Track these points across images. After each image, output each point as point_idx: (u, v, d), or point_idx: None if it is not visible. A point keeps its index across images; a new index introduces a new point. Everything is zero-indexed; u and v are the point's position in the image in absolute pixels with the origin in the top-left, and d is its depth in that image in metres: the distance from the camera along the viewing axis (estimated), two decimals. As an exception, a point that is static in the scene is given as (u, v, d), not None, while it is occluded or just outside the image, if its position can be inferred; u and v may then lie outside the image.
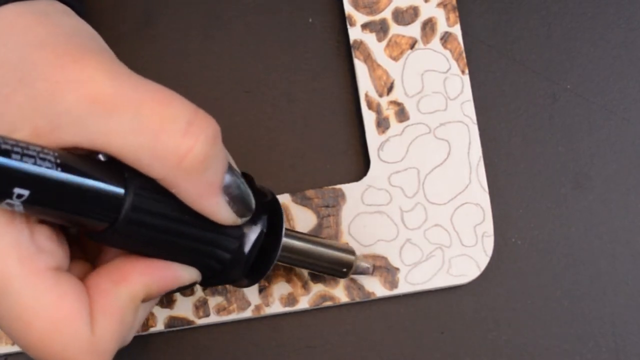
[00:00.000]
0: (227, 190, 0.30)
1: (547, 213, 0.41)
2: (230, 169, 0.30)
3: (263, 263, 0.33)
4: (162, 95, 0.29)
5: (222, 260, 0.32)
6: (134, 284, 0.30)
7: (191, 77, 0.42)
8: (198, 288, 0.40)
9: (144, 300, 0.31)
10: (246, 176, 0.33)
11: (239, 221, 0.31)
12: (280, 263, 0.35)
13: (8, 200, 0.27)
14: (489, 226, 0.40)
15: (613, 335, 0.41)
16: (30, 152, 0.27)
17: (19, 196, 0.27)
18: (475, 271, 0.40)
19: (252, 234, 0.32)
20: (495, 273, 0.41)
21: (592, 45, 0.42)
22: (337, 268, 0.38)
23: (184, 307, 0.40)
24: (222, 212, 0.30)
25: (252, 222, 0.32)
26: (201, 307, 0.40)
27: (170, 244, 0.30)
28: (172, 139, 0.28)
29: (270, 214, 0.33)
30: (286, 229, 0.35)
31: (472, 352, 0.41)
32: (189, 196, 0.29)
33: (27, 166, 0.26)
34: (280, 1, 0.42)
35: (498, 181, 0.41)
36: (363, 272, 0.39)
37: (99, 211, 0.28)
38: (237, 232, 0.32)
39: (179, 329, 0.40)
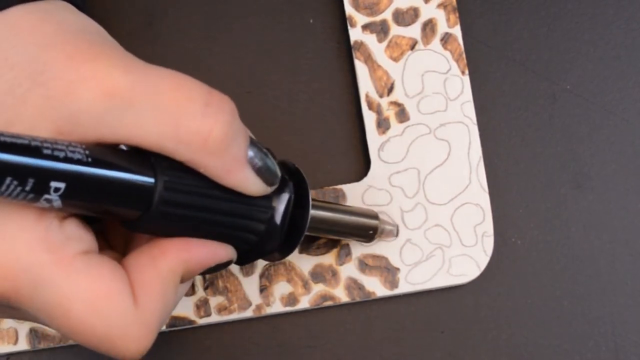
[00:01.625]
0: (252, 161, 0.31)
1: (547, 213, 0.41)
2: (252, 141, 0.31)
3: (294, 234, 0.34)
4: (175, 80, 0.29)
5: (256, 231, 0.32)
6: (173, 259, 0.30)
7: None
8: (199, 288, 0.40)
9: (183, 279, 0.31)
10: (267, 149, 0.33)
11: (268, 190, 0.32)
12: (308, 234, 0.36)
13: (46, 196, 0.27)
14: (489, 226, 0.40)
15: (613, 335, 0.41)
16: (60, 147, 0.27)
17: (56, 190, 0.27)
18: (475, 271, 0.40)
19: (282, 202, 0.33)
20: (495, 273, 0.41)
21: (591, 46, 0.42)
22: (364, 233, 0.38)
23: (185, 307, 0.40)
24: (250, 183, 0.31)
25: (280, 190, 0.33)
26: (202, 306, 0.40)
27: (204, 221, 0.31)
28: (193, 122, 0.29)
29: (295, 183, 0.33)
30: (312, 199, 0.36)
31: (472, 352, 0.41)
32: (217, 173, 0.30)
33: (59, 160, 0.27)
34: (281, 2, 0.42)
35: (498, 181, 0.41)
36: (389, 233, 0.39)
37: (132, 199, 0.29)
38: (267, 202, 0.32)
39: (180, 329, 0.40)
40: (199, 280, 0.40)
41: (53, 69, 0.29)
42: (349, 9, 0.41)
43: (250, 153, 0.31)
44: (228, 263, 0.32)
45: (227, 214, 0.31)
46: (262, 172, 0.31)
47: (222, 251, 0.32)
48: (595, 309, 0.41)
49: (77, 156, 0.27)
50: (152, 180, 0.29)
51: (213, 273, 0.33)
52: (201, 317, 0.40)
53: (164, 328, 0.40)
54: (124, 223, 0.30)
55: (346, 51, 0.42)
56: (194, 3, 0.42)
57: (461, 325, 0.41)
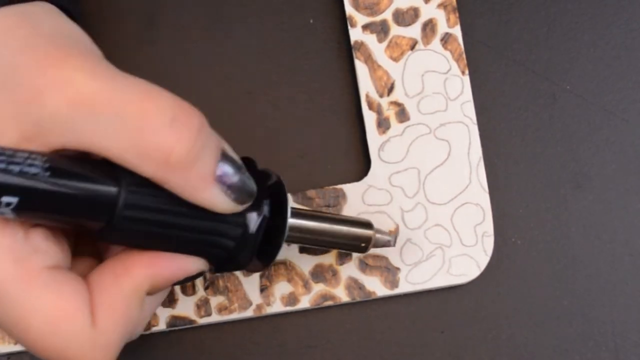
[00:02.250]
0: (222, 179, 0.29)
1: (547, 213, 0.41)
2: (224, 156, 0.30)
3: (272, 246, 0.33)
4: (144, 93, 0.28)
5: (226, 247, 0.31)
6: (137, 276, 0.30)
7: (193, 78, 0.42)
8: (199, 288, 0.40)
9: (150, 293, 0.31)
10: (248, 160, 0.33)
11: (239, 208, 0.31)
12: (294, 244, 0.35)
13: None
14: (489, 226, 0.40)
15: (612, 335, 0.41)
16: (17, 159, 0.27)
17: (8, 204, 0.27)
18: (475, 271, 0.40)
19: (255, 220, 0.32)
20: (495, 273, 0.41)
21: (591, 46, 0.42)
22: (355, 244, 0.37)
23: (185, 307, 0.40)
24: (219, 202, 0.30)
25: (255, 207, 0.31)
26: (203, 306, 0.40)
27: (169, 237, 0.30)
28: (157, 136, 0.28)
29: (275, 197, 0.33)
30: (296, 209, 0.35)
31: (472, 351, 0.41)
32: (182, 191, 0.29)
33: (13, 174, 0.26)
34: (281, 2, 0.42)
35: (498, 181, 0.41)
36: (384, 244, 0.38)
37: (92, 211, 0.28)
38: (238, 219, 0.31)
39: (180, 329, 0.40)
40: (199, 280, 0.40)
41: (22, 74, 0.28)
42: (349, 9, 0.41)
43: (222, 169, 0.30)
44: (199, 275, 0.32)
45: (194, 230, 0.30)
46: (234, 190, 0.30)
47: (190, 265, 0.31)
48: (595, 309, 0.41)
49: (33, 170, 0.27)
50: (114, 193, 0.28)
51: (184, 284, 0.33)
52: (202, 316, 0.40)
53: (164, 328, 0.40)
54: (89, 234, 0.30)
55: (346, 51, 0.42)
56: (194, 4, 0.42)
57: (461, 325, 0.41)
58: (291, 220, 0.33)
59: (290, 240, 0.35)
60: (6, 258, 0.28)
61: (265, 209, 0.32)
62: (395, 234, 0.40)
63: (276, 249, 0.33)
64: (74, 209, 0.28)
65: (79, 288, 0.29)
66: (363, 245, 0.37)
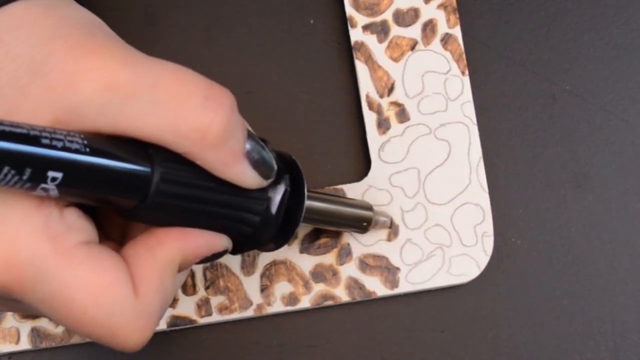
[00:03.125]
0: (249, 155, 0.31)
1: (547, 213, 0.41)
2: (249, 134, 0.31)
3: (289, 225, 0.34)
4: (176, 74, 0.29)
5: (252, 223, 0.32)
6: (171, 248, 0.30)
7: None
8: (200, 287, 0.40)
9: (180, 268, 0.31)
10: (264, 140, 0.33)
11: (264, 183, 0.32)
12: (304, 224, 0.36)
13: (43, 185, 0.27)
14: (488, 226, 0.40)
15: (612, 335, 0.41)
16: (58, 136, 0.27)
17: (53, 179, 0.27)
18: (475, 271, 0.40)
19: (277, 194, 0.33)
20: (495, 273, 0.41)
21: (591, 46, 0.42)
22: (358, 224, 0.39)
23: (186, 306, 0.40)
24: (247, 177, 0.31)
25: (276, 182, 0.33)
26: (203, 306, 0.40)
27: (200, 212, 0.31)
28: (192, 115, 0.29)
29: (291, 175, 0.34)
30: (307, 190, 0.36)
31: (472, 351, 0.41)
32: (215, 166, 0.30)
33: (57, 149, 0.27)
34: (281, 3, 0.42)
35: (498, 181, 0.41)
36: (383, 225, 0.40)
37: (129, 189, 0.29)
38: (262, 194, 0.32)
39: (181, 328, 0.41)
40: (200, 280, 0.40)
41: (54, 61, 0.29)
42: (349, 10, 0.41)
43: (248, 146, 0.31)
44: (223, 252, 0.32)
45: (222, 205, 0.31)
46: (259, 166, 0.31)
47: (217, 241, 0.32)
48: (595, 309, 0.41)
49: (75, 146, 0.27)
50: (149, 170, 0.29)
51: (209, 262, 0.33)
52: (202, 316, 0.40)
53: (165, 327, 0.40)
54: (120, 212, 0.30)
55: (347, 52, 0.42)
56: (195, 3, 0.42)
57: (461, 325, 0.41)
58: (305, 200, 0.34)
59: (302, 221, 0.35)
60: (42, 236, 0.28)
61: (286, 183, 0.33)
62: (390, 217, 0.40)
63: (292, 228, 0.34)
64: (113, 185, 0.29)
65: (117, 260, 0.30)
66: (364, 224, 0.39)
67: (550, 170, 0.42)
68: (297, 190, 0.34)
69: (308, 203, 0.35)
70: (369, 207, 0.39)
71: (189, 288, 0.40)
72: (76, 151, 0.27)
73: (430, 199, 0.40)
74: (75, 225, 0.29)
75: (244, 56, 0.42)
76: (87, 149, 0.28)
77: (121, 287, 0.29)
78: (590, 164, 0.42)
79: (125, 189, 0.29)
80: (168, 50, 0.42)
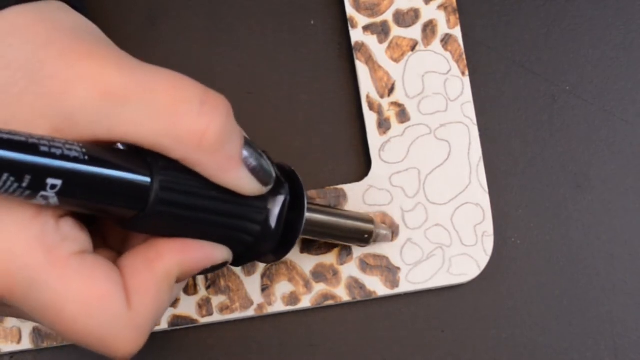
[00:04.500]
0: (246, 161, 0.31)
1: (547, 213, 0.41)
2: (247, 141, 0.31)
3: (289, 236, 0.34)
4: (172, 79, 0.29)
5: (252, 232, 0.32)
6: (169, 261, 0.30)
7: (195, 79, 0.42)
8: (201, 287, 0.40)
9: (178, 280, 0.31)
10: (263, 151, 0.33)
11: (263, 190, 0.32)
12: (303, 237, 0.36)
13: (42, 193, 0.27)
14: (489, 226, 0.40)
15: (612, 334, 0.41)
16: (57, 144, 0.27)
17: (53, 187, 0.27)
18: (475, 270, 0.40)
19: (277, 203, 0.33)
20: (495, 272, 0.41)
21: (591, 47, 0.42)
22: (359, 237, 0.39)
23: (187, 306, 0.40)
24: (245, 183, 0.31)
25: (275, 191, 0.33)
26: (204, 306, 0.40)
27: (200, 221, 0.31)
28: (188, 121, 0.29)
29: (291, 186, 0.33)
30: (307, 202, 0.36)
31: (473, 351, 0.41)
32: (212, 172, 0.30)
33: (56, 157, 0.27)
34: (282, 4, 0.42)
35: (498, 181, 0.41)
36: (384, 238, 0.40)
37: (128, 198, 0.29)
38: (262, 203, 0.32)
39: (182, 328, 0.41)
40: (201, 280, 0.40)
41: (48, 68, 0.29)
42: (350, 10, 0.41)
43: (245, 153, 0.31)
44: (223, 264, 0.32)
45: (222, 214, 0.31)
46: (257, 172, 0.31)
47: (217, 253, 0.32)
48: (595, 308, 0.41)
49: (74, 154, 0.27)
50: (148, 179, 0.29)
51: (209, 274, 0.33)
52: (203, 316, 0.40)
53: (166, 327, 0.40)
54: (120, 222, 0.30)
55: (347, 52, 0.42)
56: (196, 4, 0.42)
57: (461, 325, 0.41)
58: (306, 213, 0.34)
59: (302, 233, 0.35)
60: (37, 246, 0.28)
61: (286, 192, 0.33)
62: (392, 229, 0.40)
63: (292, 240, 0.34)
64: (112, 193, 0.29)
65: (112, 271, 0.30)
66: (365, 237, 0.39)
67: (550, 170, 0.42)
68: (297, 202, 0.34)
69: (308, 215, 0.35)
70: (370, 220, 0.39)
71: (190, 288, 0.40)
72: (75, 159, 0.27)
73: (430, 199, 0.41)
74: (70, 236, 0.29)
75: (245, 57, 0.42)
76: (86, 157, 0.28)
77: (113, 298, 0.29)
78: (590, 164, 0.42)
79: (124, 199, 0.29)
80: (169, 51, 0.42)
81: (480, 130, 0.41)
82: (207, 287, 0.40)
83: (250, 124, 0.42)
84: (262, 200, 0.32)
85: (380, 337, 0.41)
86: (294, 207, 0.33)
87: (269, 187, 0.32)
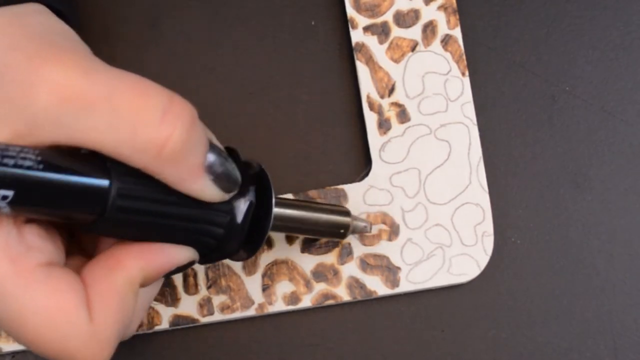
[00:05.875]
0: (210, 169, 0.30)
1: (546, 213, 0.41)
2: (212, 147, 0.30)
3: (257, 234, 0.33)
4: (135, 86, 0.29)
5: (215, 235, 0.32)
6: (130, 268, 0.30)
7: (196, 80, 0.42)
8: (202, 287, 0.40)
9: (143, 285, 0.31)
10: (231, 150, 0.33)
11: (226, 197, 0.31)
12: (277, 232, 0.36)
13: None
14: (489, 226, 0.41)
15: (611, 334, 0.41)
16: (10, 153, 0.27)
17: (4, 197, 0.27)
18: (475, 270, 0.40)
19: (242, 207, 0.32)
20: (495, 272, 0.41)
21: (590, 48, 0.42)
22: (335, 231, 0.38)
23: (188, 306, 0.40)
24: (208, 191, 0.30)
25: (241, 195, 0.32)
26: (205, 305, 0.40)
27: (160, 226, 0.30)
28: (150, 130, 0.28)
29: (259, 185, 0.33)
30: (278, 198, 0.35)
31: (473, 350, 0.41)
32: (174, 181, 0.30)
33: (8, 167, 0.27)
34: (283, 4, 0.42)
35: (498, 181, 0.42)
36: (362, 230, 0.39)
37: (85, 204, 0.29)
38: (226, 207, 0.32)
39: (183, 327, 0.41)
40: (202, 279, 0.40)
41: (13, 71, 0.28)
42: (350, 11, 0.41)
43: (210, 159, 0.30)
44: (190, 264, 0.32)
45: (184, 219, 0.31)
46: (221, 179, 0.31)
47: (180, 255, 0.32)
48: (594, 308, 0.41)
49: (27, 163, 0.27)
50: (106, 184, 0.29)
51: (176, 274, 0.33)
52: (204, 315, 0.40)
53: (167, 327, 0.40)
54: (82, 227, 0.30)
55: (347, 53, 0.42)
56: (197, 5, 0.42)
57: (461, 324, 0.41)
58: (275, 209, 0.34)
59: (274, 229, 0.35)
60: (2, 256, 0.28)
61: (251, 195, 0.33)
62: (370, 221, 0.40)
63: (261, 237, 0.33)
64: (68, 201, 0.28)
65: (75, 283, 0.29)
66: (342, 231, 0.38)
67: (549, 170, 0.42)
68: (265, 200, 0.33)
69: (279, 211, 0.35)
70: (347, 213, 0.38)
71: (190, 287, 0.40)
72: (29, 168, 0.27)
73: (430, 199, 0.41)
74: (35, 245, 0.29)
75: (246, 57, 0.42)
76: (41, 165, 0.27)
77: (76, 311, 0.29)
78: (590, 164, 0.42)
79: (81, 204, 0.29)
80: (171, 51, 0.42)
81: (480, 130, 0.41)
82: (208, 287, 0.40)
83: (250, 124, 0.42)
84: (226, 204, 0.32)
85: (380, 336, 0.41)
86: (261, 205, 0.33)
87: (233, 194, 0.32)
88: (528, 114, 0.42)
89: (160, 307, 0.40)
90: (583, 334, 0.41)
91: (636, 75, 0.42)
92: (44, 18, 0.31)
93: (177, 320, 0.40)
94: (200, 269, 0.40)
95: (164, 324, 0.40)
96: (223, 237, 0.32)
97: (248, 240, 0.33)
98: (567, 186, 0.42)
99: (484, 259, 0.40)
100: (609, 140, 0.42)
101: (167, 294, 0.40)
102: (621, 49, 0.42)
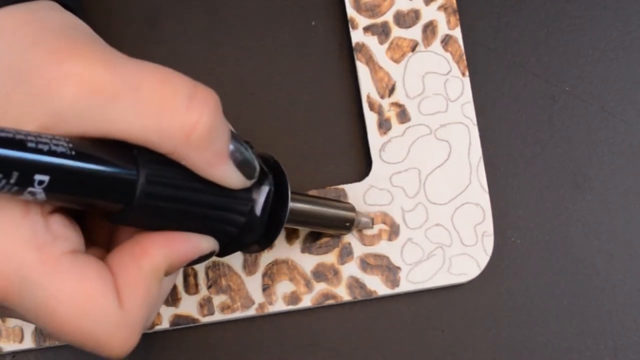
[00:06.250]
0: (233, 155, 0.31)
1: (546, 213, 0.42)
2: (233, 135, 0.31)
3: (273, 226, 0.34)
4: (160, 75, 0.29)
5: (237, 224, 0.32)
6: (156, 255, 0.30)
7: (196, 79, 0.42)
8: (202, 287, 0.40)
9: (167, 273, 0.31)
10: (247, 142, 0.34)
11: (248, 183, 0.32)
12: (287, 226, 0.36)
13: (30, 189, 0.27)
14: (489, 226, 0.41)
15: (611, 333, 0.41)
16: (44, 140, 0.27)
17: (40, 182, 0.27)
18: (475, 270, 0.40)
19: (262, 194, 0.33)
20: (495, 272, 0.41)
21: (590, 48, 0.42)
22: (341, 225, 0.39)
23: (188, 306, 0.40)
24: (231, 177, 0.31)
25: (260, 183, 0.33)
26: (205, 305, 0.40)
27: (186, 214, 0.31)
28: (177, 116, 0.29)
29: (275, 176, 0.34)
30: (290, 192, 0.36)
31: (473, 350, 0.41)
32: (199, 166, 0.30)
33: (43, 153, 0.27)
34: (283, 5, 0.42)
35: (498, 181, 0.42)
36: (365, 226, 0.40)
37: (115, 192, 0.29)
38: (247, 195, 0.32)
39: (183, 327, 0.41)
40: (202, 279, 0.40)
41: (36, 67, 0.29)
42: (350, 11, 0.41)
43: (232, 147, 0.31)
44: (211, 254, 0.33)
45: (208, 206, 0.31)
46: (242, 166, 0.31)
47: (204, 244, 0.32)
48: (594, 308, 0.41)
49: (60, 149, 0.27)
50: (134, 173, 0.29)
51: (197, 264, 0.33)
52: (204, 315, 0.40)
53: (167, 326, 0.40)
54: (107, 216, 0.30)
55: (348, 53, 0.42)
56: (197, 5, 0.43)
57: (461, 324, 0.41)
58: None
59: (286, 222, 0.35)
60: (28, 246, 0.28)
61: (270, 183, 0.33)
62: (372, 217, 0.40)
63: (277, 230, 0.34)
64: (98, 188, 0.29)
65: (102, 270, 0.30)
66: (347, 224, 0.39)
67: (549, 170, 0.42)
68: (281, 192, 0.34)
69: (292, 204, 0.35)
70: (352, 208, 0.39)
71: (191, 287, 0.40)
72: (62, 154, 0.27)
73: (430, 199, 0.41)
74: (61, 234, 0.29)
75: (246, 57, 0.42)
76: (73, 152, 0.28)
77: (105, 297, 0.29)
78: (590, 164, 0.42)
79: (111, 192, 0.29)
80: (170, 52, 0.42)
81: (480, 130, 0.41)
82: (209, 287, 0.40)
83: (251, 124, 0.42)
84: (247, 192, 0.32)
85: (380, 336, 0.41)
86: (277, 197, 0.34)
87: (254, 180, 0.32)
88: (528, 114, 0.42)
89: (161, 307, 0.40)
90: (583, 334, 0.41)
91: (636, 75, 0.42)
92: (60, 14, 0.31)
93: (177, 320, 0.40)
94: (200, 269, 0.40)
95: (164, 324, 0.40)
96: (244, 225, 0.33)
97: (264, 231, 0.34)
98: (567, 186, 0.42)
99: (484, 259, 0.40)
100: (609, 140, 0.42)
101: (168, 294, 0.40)
102: (621, 49, 0.42)
